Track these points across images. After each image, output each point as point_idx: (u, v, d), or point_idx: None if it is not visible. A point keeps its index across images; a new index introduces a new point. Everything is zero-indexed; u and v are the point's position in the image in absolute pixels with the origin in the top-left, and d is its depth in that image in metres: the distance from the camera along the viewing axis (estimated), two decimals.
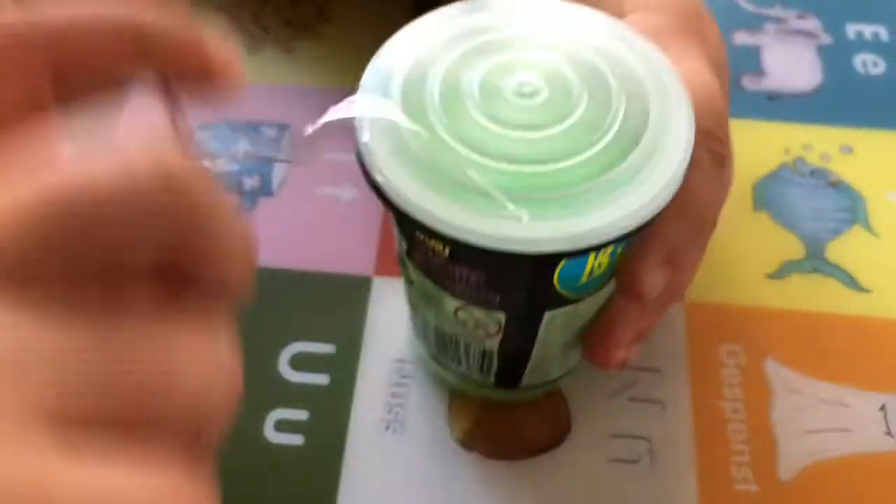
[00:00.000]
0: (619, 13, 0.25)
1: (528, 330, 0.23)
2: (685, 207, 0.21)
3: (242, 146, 0.34)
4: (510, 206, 0.19)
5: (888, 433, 0.28)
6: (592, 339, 0.24)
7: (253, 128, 0.35)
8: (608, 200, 0.19)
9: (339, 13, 0.39)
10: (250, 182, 0.33)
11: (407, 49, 0.22)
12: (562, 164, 0.20)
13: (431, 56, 0.22)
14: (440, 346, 0.26)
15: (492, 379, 0.26)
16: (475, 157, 0.20)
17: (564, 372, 0.27)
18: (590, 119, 0.20)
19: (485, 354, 0.25)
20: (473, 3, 0.23)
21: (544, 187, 0.19)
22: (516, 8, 0.23)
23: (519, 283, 0.21)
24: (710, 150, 0.22)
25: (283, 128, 0.35)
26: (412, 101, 0.21)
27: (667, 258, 0.22)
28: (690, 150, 0.20)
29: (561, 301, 0.22)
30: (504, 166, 0.20)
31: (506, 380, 0.26)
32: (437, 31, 0.22)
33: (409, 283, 0.24)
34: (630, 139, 0.20)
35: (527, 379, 0.26)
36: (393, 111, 0.20)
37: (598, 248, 0.19)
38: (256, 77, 0.36)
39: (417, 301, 0.25)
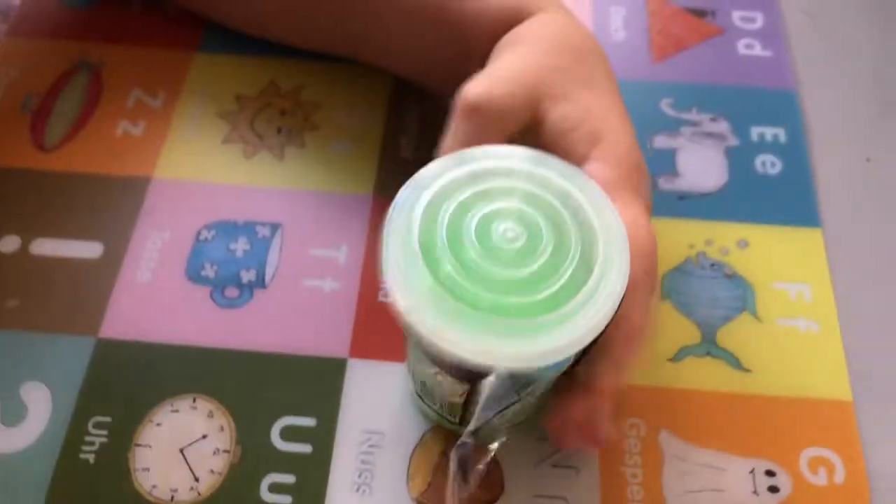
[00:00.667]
0: (581, 160, 0.32)
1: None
2: (625, 326, 0.29)
3: (242, 242, 0.41)
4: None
5: (755, 492, 0.35)
6: (557, 429, 0.32)
7: (250, 226, 0.42)
8: (563, 327, 0.26)
9: (323, 121, 0.45)
10: (247, 276, 0.40)
11: (420, 192, 0.28)
12: (530, 298, 0.26)
13: (438, 201, 0.28)
14: (422, 388, 0.33)
15: (457, 421, 0.33)
16: (468, 285, 0.26)
17: (518, 421, 0.35)
18: (553, 262, 0.27)
19: (452, 406, 0.32)
20: (465, 155, 0.29)
21: (517, 314, 0.26)
22: (501, 158, 0.29)
23: (482, 377, 0.27)
24: (645, 284, 0.30)
25: (275, 227, 0.42)
26: (426, 237, 0.27)
27: (613, 362, 0.30)
28: (623, 291, 0.27)
29: (517, 394, 0.29)
30: (490, 295, 0.26)
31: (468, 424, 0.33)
32: (444, 176, 0.29)
33: (406, 340, 0.31)
34: (580, 279, 0.27)
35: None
36: (412, 250, 0.27)
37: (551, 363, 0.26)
38: (252, 180, 0.43)
39: (410, 354, 0.32)
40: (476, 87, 0.32)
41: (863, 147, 0.45)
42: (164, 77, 0.47)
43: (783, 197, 0.43)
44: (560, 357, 0.26)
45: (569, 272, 0.27)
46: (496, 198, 0.28)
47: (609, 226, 0.28)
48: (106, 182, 0.43)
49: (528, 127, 0.33)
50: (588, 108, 0.32)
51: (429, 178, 0.29)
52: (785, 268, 0.41)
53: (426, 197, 0.28)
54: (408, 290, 0.26)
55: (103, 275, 0.40)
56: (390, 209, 0.28)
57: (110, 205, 0.42)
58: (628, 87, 0.46)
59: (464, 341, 0.26)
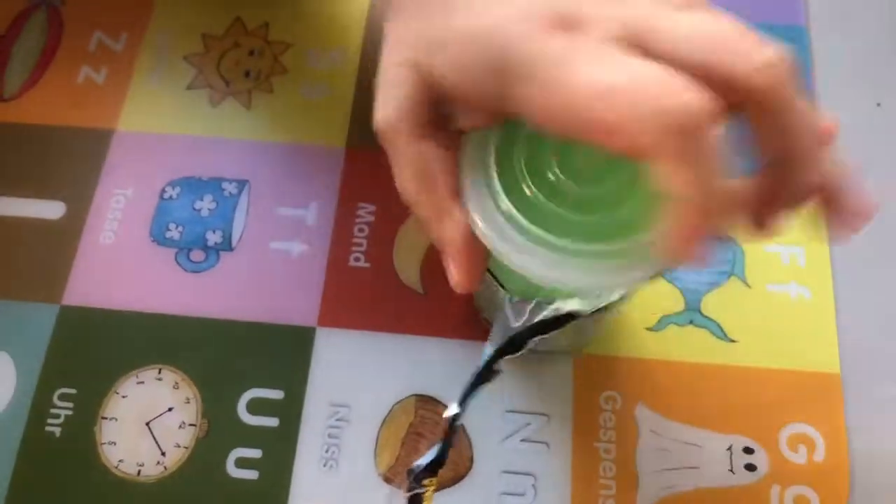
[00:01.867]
0: None
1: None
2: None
3: (207, 201, 0.40)
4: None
5: (731, 470, 0.34)
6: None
7: (215, 183, 0.40)
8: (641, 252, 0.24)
9: (292, 63, 0.43)
10: (213, 238, 0.39)
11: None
12: (609, 220, 0.24)
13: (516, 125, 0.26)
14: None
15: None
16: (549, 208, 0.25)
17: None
18: (630, 184, 0.25)
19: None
20: None
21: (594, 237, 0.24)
22: None
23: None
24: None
25: (241, 183, 0.40)
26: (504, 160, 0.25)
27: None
28: None
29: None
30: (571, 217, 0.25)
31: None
32: None
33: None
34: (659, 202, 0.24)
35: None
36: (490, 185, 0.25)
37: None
38: (218, 131, 0.41)
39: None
40: (379, 114, 0.26)
41: (873, 91, 0.41)
42: (127, 17, 0.44)
43: None
44: (640, 284, 0.25)
45: (648, 194, 0.24)
46: None
47: None
48: (68, 134, 0.41)
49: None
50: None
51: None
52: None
53: (499, 127, 0.26)
54: (486, 216, 0.25)
55: (66, 237, 0.39)
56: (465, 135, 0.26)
57: (73, 160, 0.41)
58: None
59: (539, 267, 0.24)
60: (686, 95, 0.20)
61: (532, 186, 0.25)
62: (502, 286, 0.29)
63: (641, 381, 0.36)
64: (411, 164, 0.25)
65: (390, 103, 0.25)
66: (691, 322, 0.37)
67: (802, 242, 0.38)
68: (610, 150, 0.21)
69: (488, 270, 0.30)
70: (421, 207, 0.26)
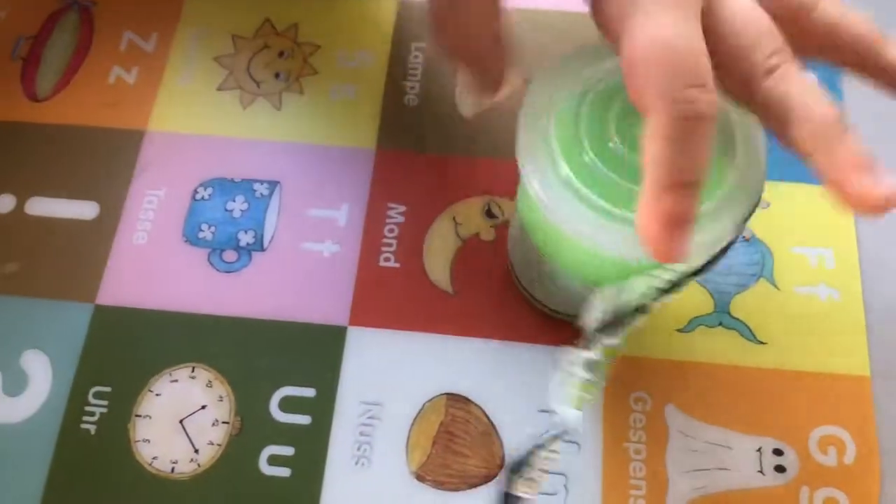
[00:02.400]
0: None
1: None
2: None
3: (239, 202, 0.40)
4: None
5: (760, 472, 0.34)
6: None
7: (247, 184, 0.40)
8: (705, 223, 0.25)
9: (322, 64, 0.43)
10: (245, 238, 0.39)
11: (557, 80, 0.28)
12: None
13: (577, 91, 0.27)
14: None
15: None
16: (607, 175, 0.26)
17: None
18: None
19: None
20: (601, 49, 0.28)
21: None
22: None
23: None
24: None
25: (273, 184, 0.40)
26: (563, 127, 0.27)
27: None
28: (763, 190, 0.26)
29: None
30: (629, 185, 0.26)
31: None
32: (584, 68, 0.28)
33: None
34: (721, 174, 0.26)
35: None
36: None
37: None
38: (249, 132, 0.41)
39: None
40: None
41: None
42: (156, 16, 0.45)
43: None
44: (699, 255, 0.25)
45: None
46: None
47: (748, 120, 0.27)
48: (100, 135, 0.42)
49: None
50: None
51: (561, 73, 0.28)
52: (806, 231, 0.38)
53: (565, 86, 0.27)
54: (545, 181, 0.26)
55: (100, 237, 0.39)
56: (527, 94, 0.27)
57: (105, 160, 0.41)
58: None
59: (598, 234, 0.25)
60: (704, 92, 0.23)
61: (591, 153, 0.26)
62: (547, 259, 0.30)
63: (671, 382, 0.36)
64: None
65: None
66: (720, 324, 0.37)
67: (831, 244, 0.38)
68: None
69: (535, 243, 0.30)
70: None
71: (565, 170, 0.26)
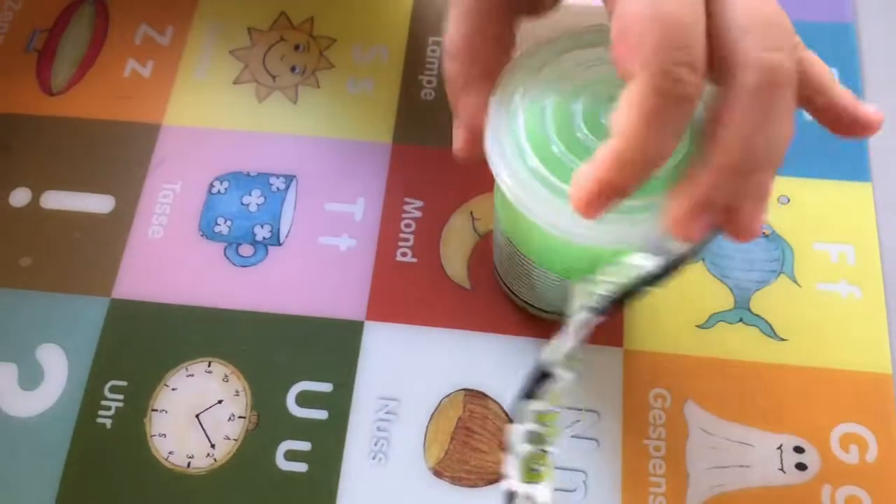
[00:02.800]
0: None
1: None
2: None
3: (255, 196, 0.40)
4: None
5: (781, 469, 0.34)
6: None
7: (263, 178, 0.40)
8: None
9: (338, 58, 0.43)
10: (262, 232, 0.39)
11: (524, 77, 0.27)
12: None
13: (544, 86, 0.27)
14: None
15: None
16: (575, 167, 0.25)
17: None
18: None
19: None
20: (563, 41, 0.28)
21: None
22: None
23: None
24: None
25: (289, 178, 0.40)
26: (531, 122, 0.26)
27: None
28: None
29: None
30: None
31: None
32: (547, 64, 0.28)
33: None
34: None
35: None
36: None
37: None
38: (265, 126, 0.41)
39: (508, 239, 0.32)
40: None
41: None
42: (172, 9, 0.44)
43: (831, 147, 0.40)
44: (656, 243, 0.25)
45: (681, 154, 0.25)
46: (603, 83, 0.27)
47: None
48: (115, 128, 0.41)
49: None
50: None
51: (532, 63, 0.28)
52: (827, 227, 0.38)
53: (532, 82, 0.27)
54: (512, 172, 0.26)
55: (115, 231, 0.39)
56: (497, 85, 0.27)
57: (120, 154, 0.41)
58: None
59: (567, 222, 0.25)
60: (692, 73, 0.21)
61: (560, 144, 0.26)
62: (524, 255, 0.30)
63: (691, 379, 0.35)
64: (472, 30, 0.27)
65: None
66: (741, 320, 0.36)
67: (852, 240, 0.38)
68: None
69: (509, 239, 0.31)
70: (456, 65, 0.28)
71: (534, 160, 0.26)
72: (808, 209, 0.38)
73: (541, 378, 0.26)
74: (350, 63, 0.43)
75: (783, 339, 0.36)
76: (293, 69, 0.43)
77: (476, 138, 0.27)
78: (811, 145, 0.40)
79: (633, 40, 0.22)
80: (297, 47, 0.43)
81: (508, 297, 0.37)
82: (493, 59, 0.28)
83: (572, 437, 0.35)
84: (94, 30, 0.44)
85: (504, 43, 0.28)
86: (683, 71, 0.21)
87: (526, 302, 0.36)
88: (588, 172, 0.23)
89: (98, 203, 0.40)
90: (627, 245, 0.25)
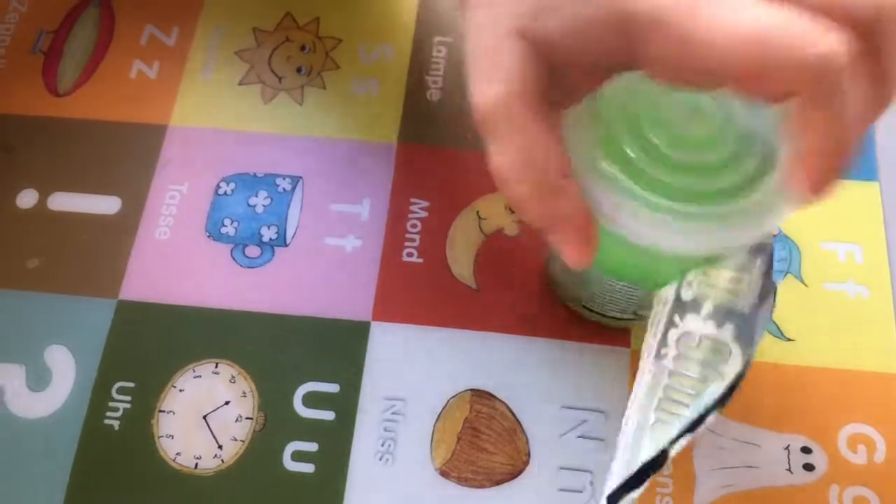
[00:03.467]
0: None
1: None
2: None
3: (262, 197, 0.40)
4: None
5: (789, 470, 0.34)
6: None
7: (270, 179, 0.40)
8: (745, 218, 0.25)
9: (344, 58, 0.43)
10: (268, 233, 0.39)
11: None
12: (711, 186, 0.25)
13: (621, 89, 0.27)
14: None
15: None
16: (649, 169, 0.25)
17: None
18: (736, 151, 0.26)
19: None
20: None
21: (696, 200, 0.25)
22: None
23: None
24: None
25: (295, 179, 0.40)
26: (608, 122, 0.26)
27: None
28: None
29: None
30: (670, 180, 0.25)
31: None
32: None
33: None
34: (764, 171, 0.25)
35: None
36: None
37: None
38: (271, 127, 0.41)
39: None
40: (486, 92, 0.24)
41: None
42: (177, 10, 0.44)
43: None
44: (736, 248, 0.25)
45: (753, 163, 0.25)
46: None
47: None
48: (122, 130, 0.42)
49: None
50: None
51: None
52: (835, 226, 0.38)
53: (609, 84, 0.26)
54: (588, 175, 0.25)
55: (122, 232, 0.39)
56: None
57: (127, 155, 0.41)
58: None
59: (639, 227, 0.25)
60: (828, 38, 0.20)
61: (633, 149, 0.26)
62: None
63: None
64: (525, 145, 0.23)
65: (498, 78, 0.23)
66: None
67: (859, 240, 0.37)
68: (746, 95, 0.21)
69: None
70: (525, 187, 0.24)
71: (611, 168, 0.25)
72: (815, 209, 0.38)
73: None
74: (356, 63, 0.43)
75: (790, 340, 0.36)
76: (299, 70, 0.43)
77: (590, 240, 0.25)
78: None
79: (756, 73, 0.20)
80: (302, 48, 0.43)
81: (565, 302, 0.36)
82: (563, 157, 0.24)
83: (578, 437, 0.35)
84: (100, 31, 0.44)
85: (559, 137, 0.25)
86: (821, 54, 0.20)
87: (587, 307, 0.35)
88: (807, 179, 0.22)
89: (105, 204, 0.40)
90: (719, 251, 0.25)
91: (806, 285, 0.37)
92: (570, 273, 0.34)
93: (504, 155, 0.24)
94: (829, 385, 0.35)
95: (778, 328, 0.36)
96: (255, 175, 0.40)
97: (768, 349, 0.36)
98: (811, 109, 0.21)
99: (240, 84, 0.42)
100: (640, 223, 0.25)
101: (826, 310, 0.36)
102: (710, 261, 0.26)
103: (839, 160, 0.21)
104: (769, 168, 0.26)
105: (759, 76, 0.20)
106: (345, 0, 0.44)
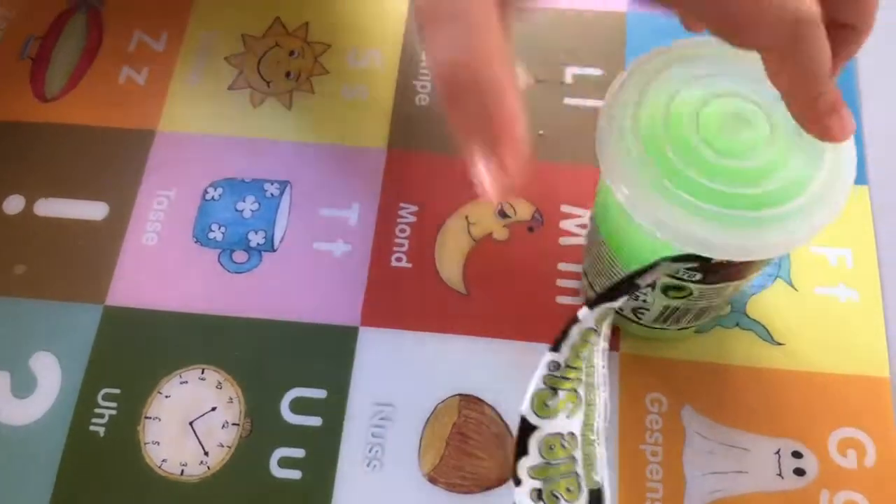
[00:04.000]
0: None
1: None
2: None
3: (250, 202, 0.40)
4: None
5: (779, 475, 0.34)
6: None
7: (258, 184, 0.40)
8: (785, 223, 0.25)
9: (333, 63, 0.43)
10: (256, 238, 0.39)
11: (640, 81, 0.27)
12: (752, 190, 0.25)
13: (660, 91, 0.27)
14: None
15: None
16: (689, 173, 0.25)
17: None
18: (777, 157, 0.26)
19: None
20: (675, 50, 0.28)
21: (738, 205, 0.25)
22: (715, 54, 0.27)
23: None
24: None
25: (283, 184, 0.40)
26: (647, 126, 0.26)
27: None
28: (848, 194, 0.26)
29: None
30: (711, 185, 0.25)
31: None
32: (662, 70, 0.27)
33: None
34: (806, 177, 0.26)
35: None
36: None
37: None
38: (259, 132, 0.41)
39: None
40: None
41: None
42: (166, 16, 0.44)
43: None
44: (780, 252, 0.25)
45: (795, 168, 0.25)
46: (720, 90, 0.27)
47: None
48: (109, 135, 0.41)
49: None
50: None
51: (649, 69, 0.27)
52: (826, 231, 0.37)
53: (647, 86, 0.27)
54: (626, 177, 0.25)
55: (109, 238, 0.39)
56: (608, 94, 0.27)
57: (115, 160, 0.41)
58: None
59: (679, 229, 0.25)
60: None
61: (672, 149, 0.26)
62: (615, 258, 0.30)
63: (687, 384, 0.35)
64: (467, 32, 0.21)
65: None
66: (738, 324, 0.36)
67: (850, 244, 0.37)
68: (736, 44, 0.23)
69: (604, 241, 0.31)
70: (464, 74, 0.22)
71: (652, 170, 0.25)
72: None
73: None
74: (345, 69, 0.42)
75: (780, 344, 0.36)
76: (288, 75, 0.42)
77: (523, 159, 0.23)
78: None
79: (742, 25, 0.22)
80: (291, 53, 0.43)
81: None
82: (503, 47, 0.23)
83: None
84: (89, 37, 0.44)
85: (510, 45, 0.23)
86: (801, 11, 0.22)
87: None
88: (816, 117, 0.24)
89: (92, 210, 0.40)
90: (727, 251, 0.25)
91: (796, 289, 0.37)
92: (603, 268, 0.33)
93: (446, 41, 0.22)
94: (820, 389, 0.35)
95: (767, 332, 0.36)
96: (243, 180, 0.40)
97: (757, 353, 0.36)
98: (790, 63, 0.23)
99: (229, 89, 0.42)
100: (676, 222, 0.25)
101: (816, 314, 0.36)
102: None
103: (826, 94, 0.23)
104: (809, 179, 0.25)
105: (744, 28, 0.22)
106: (334, 6, 0.44)
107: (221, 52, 0.43)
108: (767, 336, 0.36)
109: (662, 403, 0.35)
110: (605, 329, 0.28)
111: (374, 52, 0.43)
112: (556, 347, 0.27)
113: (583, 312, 0.27)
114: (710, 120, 0.26)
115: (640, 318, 0.33)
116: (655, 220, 0.25)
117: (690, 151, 0.26)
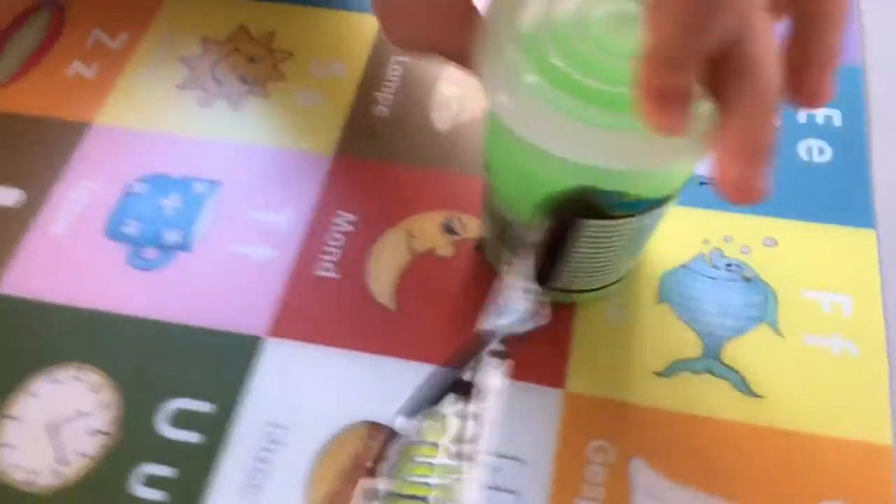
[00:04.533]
0: None
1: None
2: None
3: (174, 199, 0.36)
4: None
5: None
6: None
7: (187, 182, 0.36)
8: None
9: (293, 71, 0.40)
10: (171, 236, 0.35)
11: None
12: None
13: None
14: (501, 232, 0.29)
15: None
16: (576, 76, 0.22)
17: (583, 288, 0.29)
18: None
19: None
20: None
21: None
22: None
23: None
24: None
25: (213, 184, 0.36)
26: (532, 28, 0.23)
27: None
28: None
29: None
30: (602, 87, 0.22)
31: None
32: None
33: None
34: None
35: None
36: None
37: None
38: (203, 131, 0.38)
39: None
40: None
41: None
42: (129, 18, 0.42)
43: (830, 190, 0.34)
44: (678, 161, 0.21)
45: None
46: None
47: None
48: (39, 125, 0.38)
49: None
50: None
51: None
52: (820, 274, 0.32)
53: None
54: (508, 84, 0.22)
55: (15, 225, 0.35)
56: (489, 4, 0.24)
57: (41, 150, 0.38)
58: None
59: (564, 136, 0.21)
60: None
61: (559, 59, 0.22)
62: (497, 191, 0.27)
63: (641, 432, 0.29)
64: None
65: None
66: (709, 371, 0.30)
67: (849, 290, 0.32)
68: None
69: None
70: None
71: (533, 76, 0.22)
72: (797, 253, 0.33)
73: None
74: (304, 77, 0.39)
75: (758, 396, 0.30)
76: (243, 79, 0.39)
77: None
78: (805, 186, 0.34)
79: None
80: (251, 59, 0.40)
81: (491, 263, 0.32)
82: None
83: (488, 488, 0.28)
84: (49, 32, 0.42)
85: None
86: None
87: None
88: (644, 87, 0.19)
89: (4, 196, 0.36)
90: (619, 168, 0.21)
91: (782, 336, 0.31)
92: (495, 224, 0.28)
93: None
94: (803, 453, 0.28)
95: (744, 382, 0.30)
96: (170, 177, 0.36)
97: (730, 405, 0.29)
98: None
99: (178, 87, 0.39)
100: (549, 126, 0.21)
101: (805, 366, 0.30)
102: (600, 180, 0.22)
103: (668, 78, 0.19)
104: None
105: None
106: (303, 17, 0.42)
107: (177, 53, 0.40)
108: (743, 386, 0.30)
109: (608, 452, 0.29)
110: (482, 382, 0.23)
111: (337, 64, 0.40)
112: (371, 471, 0.22)
113: (400, 422, 0.22)
114: (597, 22, 0.23)
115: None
116: (537, 130, 0.21)
117: (575, 55, 0.22)
